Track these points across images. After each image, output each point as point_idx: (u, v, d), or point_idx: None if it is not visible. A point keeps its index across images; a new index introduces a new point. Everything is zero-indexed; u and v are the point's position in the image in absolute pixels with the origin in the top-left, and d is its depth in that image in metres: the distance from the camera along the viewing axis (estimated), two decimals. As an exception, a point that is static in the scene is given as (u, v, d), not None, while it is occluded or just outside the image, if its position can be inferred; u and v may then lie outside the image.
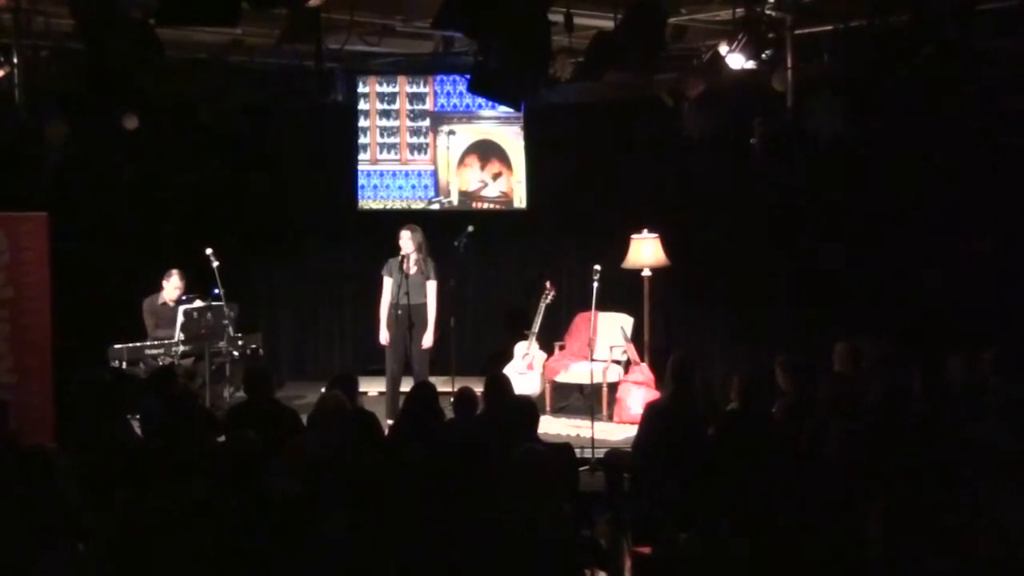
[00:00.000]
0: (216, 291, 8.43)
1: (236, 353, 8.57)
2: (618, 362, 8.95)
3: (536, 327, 9.01)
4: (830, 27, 7.15)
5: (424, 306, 8.45)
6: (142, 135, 8.47)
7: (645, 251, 8.93)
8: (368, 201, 10.02)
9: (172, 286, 8.65)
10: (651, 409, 6.17)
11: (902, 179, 8.13)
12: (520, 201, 9.85)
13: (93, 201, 9.04)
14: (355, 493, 4.85)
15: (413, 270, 8.35)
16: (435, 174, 9.97)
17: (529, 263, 10.23)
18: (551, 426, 8.52)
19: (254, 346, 8.76)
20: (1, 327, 7.67)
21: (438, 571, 4.20)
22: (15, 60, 6.92)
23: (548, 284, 9.04)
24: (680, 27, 7.35)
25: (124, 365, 8.26)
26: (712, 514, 4.69)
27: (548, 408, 8.98)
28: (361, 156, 9.97)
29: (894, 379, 5.99)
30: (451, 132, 9.89)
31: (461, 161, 9.92)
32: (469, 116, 9.85)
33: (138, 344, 8.39)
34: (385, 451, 5.62)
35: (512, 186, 9.85)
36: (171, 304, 8.60)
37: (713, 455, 5.48)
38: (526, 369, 8.93)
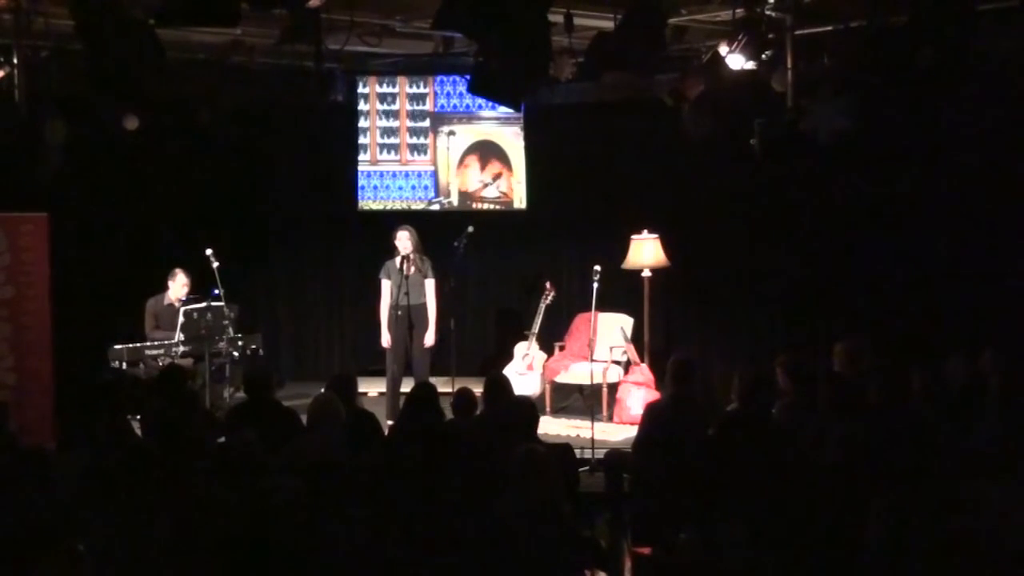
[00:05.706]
0: (216, 291, 8.42)
1: (236, 353, 8.56)
2: (618, 363, 8.94)
3: (536, 327, 9.00)
4: (830, 27, 7.16)
5: (424, 306, 8.48)
6: (142, 135, 8.47)
7: (645, 251, 8.92)
8: (368, 202, 10.01)
9: (179, 284, 8.64)
10: (651, 409, 6.18)
11: (902, 179, 8.12)
12: (520, 201, 9.85)
13: (93, 201, 9.04)
14: (355, 494, 4.85)
15: (412, 270, 8.36)
16: (435, 175, 9.97)
17: (529, 263, 10.20)
18: (551, 427, 8.51)
19: (254, 346, 8.75)
20: (1, 327, 7.68)
21: (438, 571, 4.19)
22: (15, 60, 6.92)
23: (548, 284, 9.03)
24: (680, 27, 7.36)
25: (124, 366, 8.24)
26: (712, 514, 4.70)
27: (548, 409, 8.97)
28: (361, 156, 9.96)
29: (894, 379, 5.99)
30: (451, 133, 9.88)
31: (461, 162, 9.92)
32: (469, 117, 9.85)
33: (138, 345, 8.38)
34: (385, 452, 5.61)
35: (512, 186, 9.85)
36: (177, 304, 8.59)
37: (713, 455, 5.49)
38: (526, 370, 8.92)
